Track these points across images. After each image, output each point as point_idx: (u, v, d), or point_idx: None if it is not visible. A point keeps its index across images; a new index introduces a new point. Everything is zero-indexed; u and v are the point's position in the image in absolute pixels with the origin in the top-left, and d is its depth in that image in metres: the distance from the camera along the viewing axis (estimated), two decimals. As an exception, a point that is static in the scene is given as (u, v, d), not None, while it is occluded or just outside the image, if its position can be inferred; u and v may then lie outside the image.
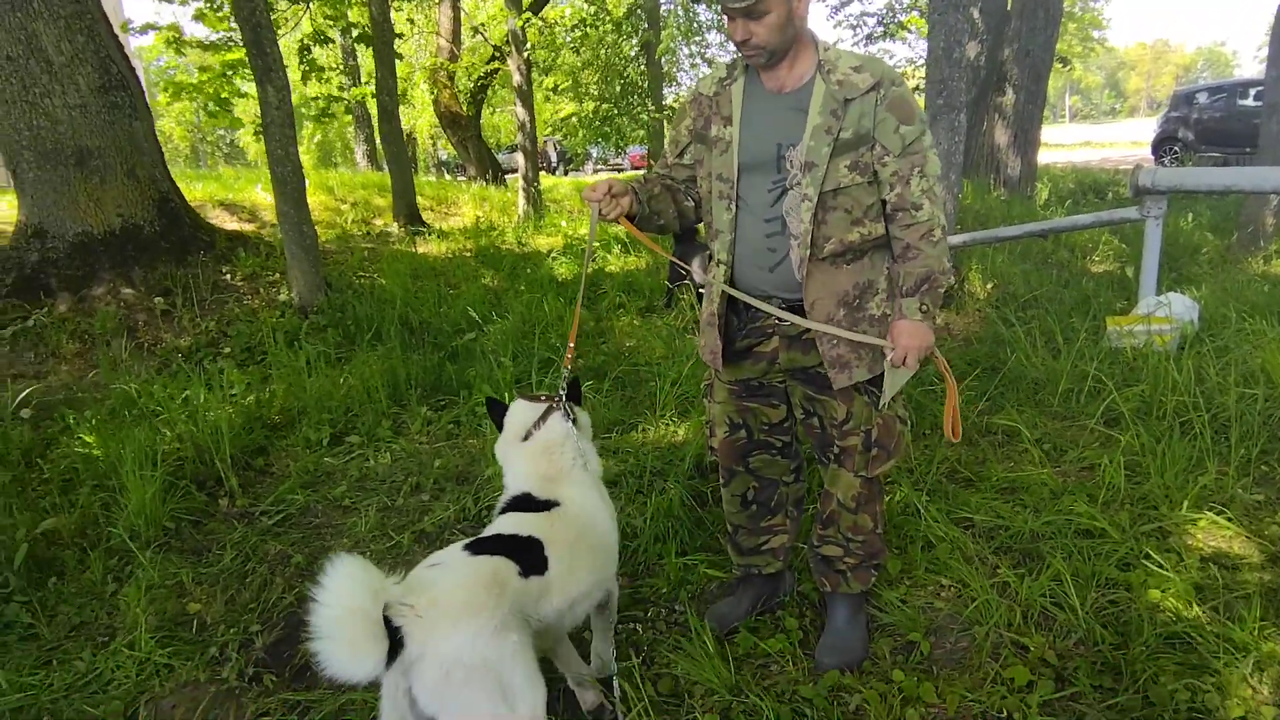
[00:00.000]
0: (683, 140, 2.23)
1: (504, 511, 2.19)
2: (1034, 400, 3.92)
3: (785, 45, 1.95)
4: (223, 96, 8.47)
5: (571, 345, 2.37)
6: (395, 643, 1.56)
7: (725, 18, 1.94)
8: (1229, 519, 2.70)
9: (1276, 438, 3.20)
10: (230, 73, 8.46)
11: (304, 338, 5.64)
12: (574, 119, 22.60)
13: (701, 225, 2.31)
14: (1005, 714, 2.05)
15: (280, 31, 9.41)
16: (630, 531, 3.08)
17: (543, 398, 2.34)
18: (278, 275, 6.73)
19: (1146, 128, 23.40)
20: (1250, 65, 78.93)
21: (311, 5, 8.73)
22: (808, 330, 2.12)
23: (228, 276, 6.59)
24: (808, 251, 2.03)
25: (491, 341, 5.51)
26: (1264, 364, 3.47)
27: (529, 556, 1.90)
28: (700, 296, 6.15)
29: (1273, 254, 6.86)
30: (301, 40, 9.07)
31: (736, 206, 2.09)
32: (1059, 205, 9.88)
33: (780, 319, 2.13)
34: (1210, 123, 15.35)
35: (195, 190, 9.90)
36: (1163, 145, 16.31)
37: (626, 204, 2.12)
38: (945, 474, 3.27)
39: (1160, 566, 2.43)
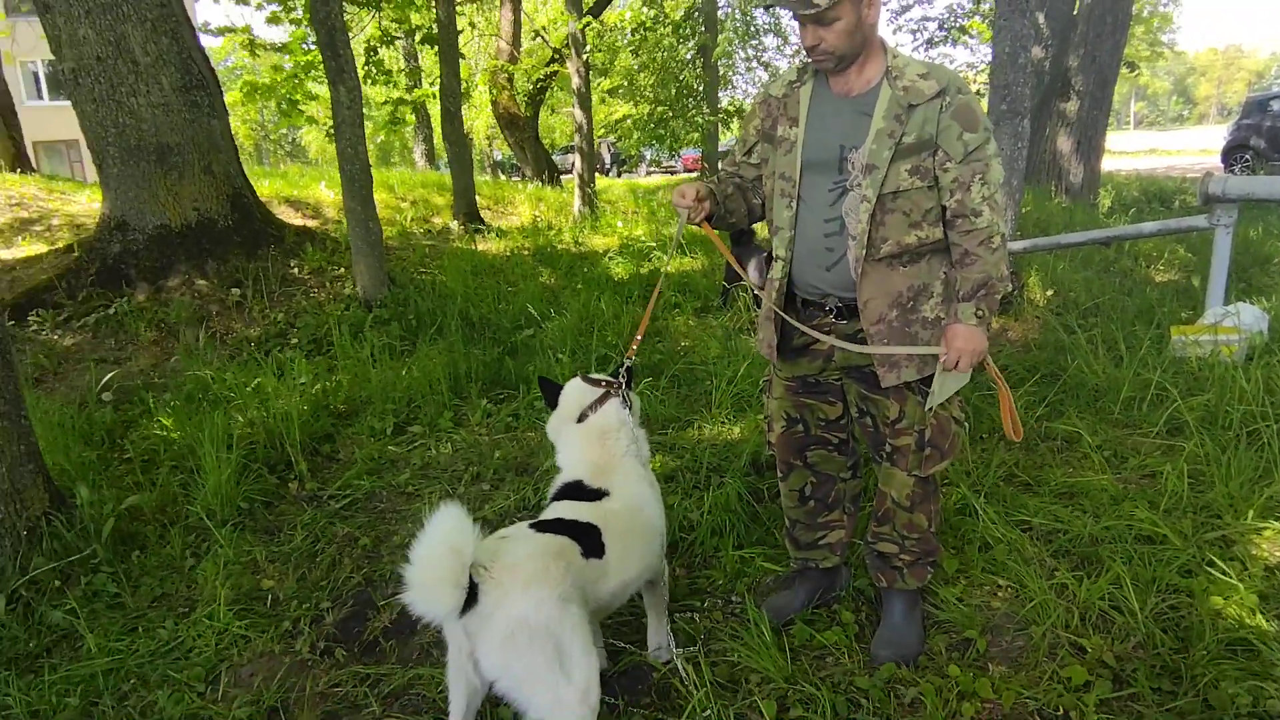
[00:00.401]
0: (750, 140, 2.30)
1: (557, 498, 2.29)
2: (1094, 408, 3.88)
3: (854, 51, 2.01)
4: (294, 98, 8.73)
5: (639, 336, 2.46)
6: (470, 598, 1.70)
7: (800, 27, 1.99)
8: (1297, 529, 2.66)
9: (1351, 451, 3.13)
10: (301, 75, 8.72)
11: (368, 330, 5.81)
12: (629, 121, 22.77)
13: (760, 225, 2.40)
14: (1062, 712, 2.07)
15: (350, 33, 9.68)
16: (687, 525, 3.15)
17: (602, 382, 2.39)
18: (343, 270, 6.94)
19: (1216, 135, 22.72)
20: (1329, 72, 76.02)
21: (382, 8, 8.95)
22: (861, 329, 2.17)
23: (295, 270, 6.81)
24: (864, 251, 2.08)
25: (550, 338, 5.62)
26: (1337, 376, 3.40)
27: (589, 540, 2.01)
28: (757, 299, 6.22)
29: (1349, 266, 6.65)
30: (368, 43, 9.31)
31: (797, 205, 2.16)
32: (1122, 213, 9.69)
33: (835, 322, 2.23)
34: (1285, 131, 14.88)
35: (263, 187, 10.20)
36: (1233, 153, 15.86)
37: (708, 208, 2.23)
38: (1003, 477, 3.27)
39: (1223, 574, 2.42)
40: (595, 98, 21.43)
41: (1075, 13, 10.33)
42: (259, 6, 8.46)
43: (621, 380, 2.40)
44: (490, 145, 33.09)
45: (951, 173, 2.03)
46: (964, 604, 2.52)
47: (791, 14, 1.97)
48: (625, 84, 20.88)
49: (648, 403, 4.43)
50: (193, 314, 6.05)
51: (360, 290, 6.40)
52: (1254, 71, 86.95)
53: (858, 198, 2.06)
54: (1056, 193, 10.50)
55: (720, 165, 2.44)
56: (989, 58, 6.03)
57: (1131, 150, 29.11)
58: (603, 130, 27.67)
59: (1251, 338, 4.26)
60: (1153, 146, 31.40)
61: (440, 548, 1.65)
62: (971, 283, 2.09)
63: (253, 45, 8.49)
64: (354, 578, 3.06)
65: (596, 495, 2.21)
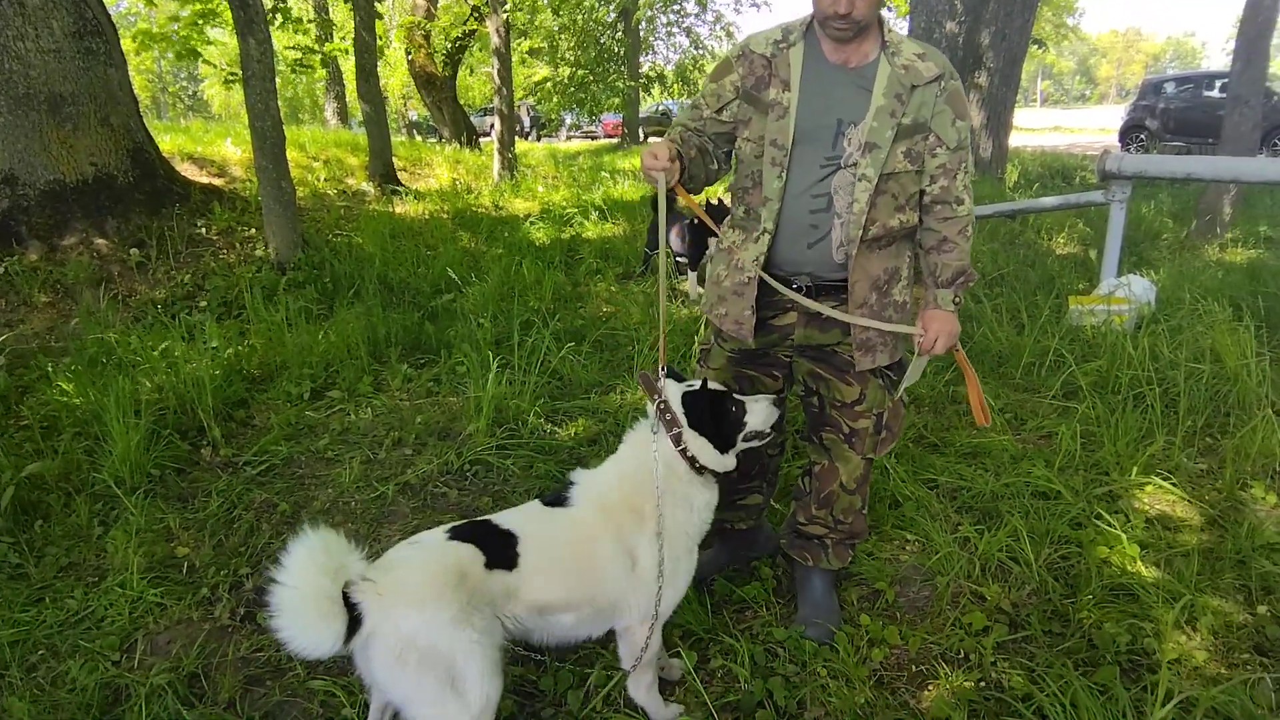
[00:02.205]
0: (726, 96, 2.11)
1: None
2: (998, 373, 4.09)
3: (873, 19, 1.95)
4: (191, 46, 8.31)
5: (663, 360, 2.14)
6: (357, 618, 1.59)
7: None
8: (1174, 484, 2.88)
9: (1221, 411, 3.40)
10: (201, 21, 8.30)
11: (281, 293, 5.65)
12: (549, 84, 22.48)
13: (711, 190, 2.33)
14: (963, 655, 2.21)
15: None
16: (610, 486, 3.20)
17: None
18: (253, 230, 6.70)
19: (1115, 115, 23.80)
20: (1217, 57, 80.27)
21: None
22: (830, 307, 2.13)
23: (202, 230, 6.54)
24: (859, 232, 2.02)
25: (471, 303, 5.57)
26: (1213, 344, 3.66)
27: (498, 549, 1.83)
28: (679, 266, 6.28)
29: (1228, 241, 7.11)
30: (276, -10, 8.92)
31: (787, 175, 2.04)
32: (1028, 187, 10.10)
33: (808, 307, 2.12)
34: (1176, 113, 15.66)
35: (164, 142, 9.69)
36: (1130, 133, 16.62)
37: (678, 171, 2.02)
38: (913, 439, 3.42)
39: (1109, 526, 2.60)
40: (515, 58, 21.06)
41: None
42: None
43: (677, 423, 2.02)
44: (405, 105, 32.18)
45: (940, 158, 2.02)
46: (874, 558, 2.65)
47: None
48: (546, 45, 20.60)
49: (569, 367, 4.46)
50: (92, 275, 5.76)
51: (273, 252, 6.20)
52: (1151, 55, 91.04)
53: (851, 176, 1.99)
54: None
55: (676, 119, 2.21)
56: (906, 31, 6.18)
57: (1038, 127, 30.19)
58: (522, 93, 27.24)
59: (1140, 308, 4.54)
60: (1057, 124, 32.64)
61: (297, 589, 1.54)
62: (952, 270, 2.12)
63: (151, -9, 8.02)
64: (274, 544, 3.01)
65: (559, 501, 2.00)
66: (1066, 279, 5.68)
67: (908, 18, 5.64)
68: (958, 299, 2.14)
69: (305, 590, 1.54)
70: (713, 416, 2.01)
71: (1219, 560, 2.48)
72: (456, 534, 1.84)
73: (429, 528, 3.07)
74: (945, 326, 2.13)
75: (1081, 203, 5.11)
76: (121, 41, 8.80)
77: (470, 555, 1.77)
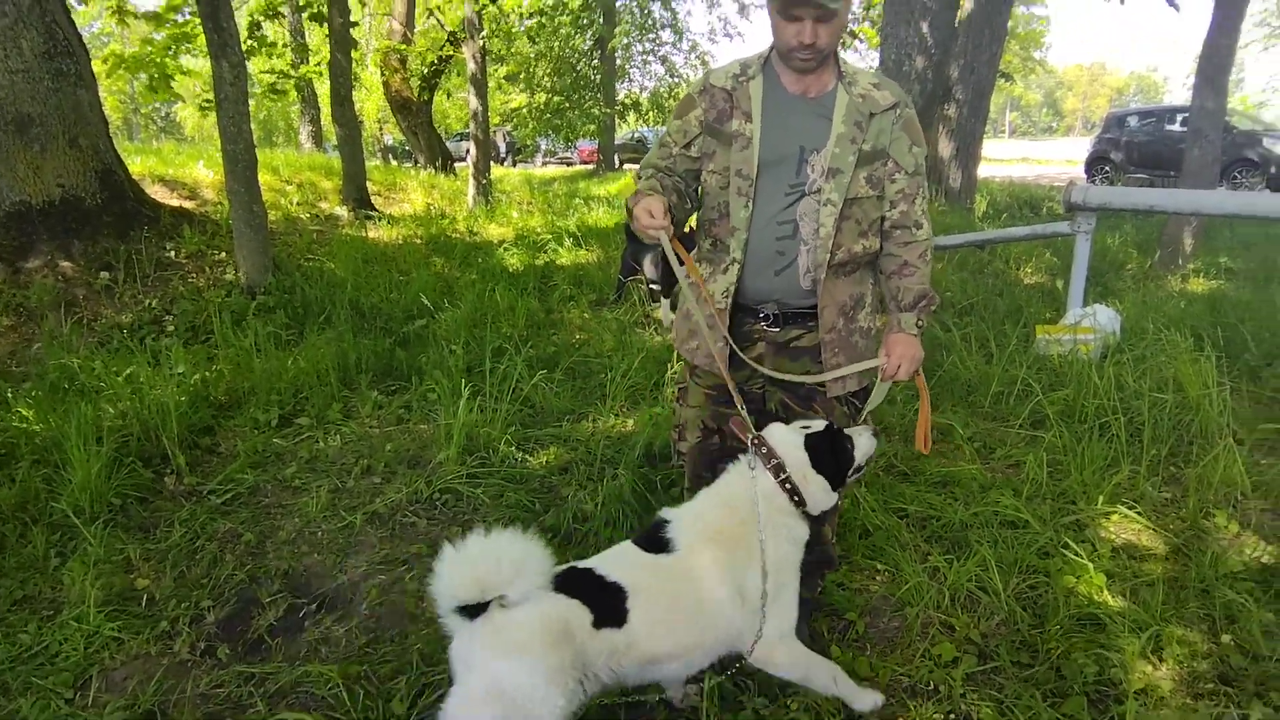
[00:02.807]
0: (693, 131, 2.12)
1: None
2: (967, 401, 4.12)
3: (833, 50, 1.99)
4: (166, 72, 8.26)
5: (739, 400, 2.11)
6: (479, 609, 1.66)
7: (786, 21, 1.90)
8: (1139, 513, 2.91)
9: (1184, 440, 3.44)
10: (175, 46, 8.26)
11: (251, 318, 5.59)
12: (524, 110, 22.58)
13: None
14: (932, 686, 2.21)
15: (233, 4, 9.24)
16: (581, 516, 3.18)
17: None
18: (223, 254, 6.64)
19: (1081, 146, 24.30)
20: (1179, 92, 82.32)
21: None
22: (795, 337, 2.17)
23: (171, 254, 6.47)
24: (827, 257, 2.04)
25: (443, 329, 5.54)
26: (1176, 374, 3.72)
27: (606, 606, 1.79)
28: (652, 293, 6.29)
29: (1190, 272, 7.26)
30: (251, 15, 8.91)
31: (753, 205, 2.06)
32: (996, 217, 10.26)
33: (768, 329, 2.16)
34: (1140, 145, 16.04)
35: (134, 164, 9.61)
36: (1095, 165, 16.99)
37: (670, 221, 2.00)
38: (883, 468, 3.44)
39: (1076, 555, 2.62)
40: (491, 84, 21.14)
41: (957, 24, 10.84)
42: (134, -27, 7.97)
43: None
44: (381, 129, 32.16)
45: (899, 183, 2.08)
46: (845, 589, 2.65)
47: (791, 12, 1.88)
48: (522, 72, 20.71)
49: (541, 395, 4.44)
50: (56, 298, 5.67)
51: (243, 276, 6.14)
52: (1115, 88, 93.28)
53: (817, 202, 2.03)
54: (936, 196, 11.01)
55: (646, 160, 2.20)
56: (878, 63, 6.27)
57: (1006, 158, 30.74)
58: (499, 119, 27.33)
59: (1106, 337, 4.61)
60: (1025, 155, 33.26)
61: (472, 570, 1.62)
62: (914, 294, 2.15)
63: (122, 11, 7.97)
64: (237, 575, 2.96)
65: (660, 545, 1.93)
66: (1034, 308, 5.77)
67: (879, 49, 5.74)
68: (921, 323, 2.17)
69: (458, 577, 1.63)
70: (833, 456, 2.01)
71: (1183, 589, 2.50)
72: (561, 585, 1.77)
73: (398, 558, 3.07)
74: (908, 351, 2.15)
75: (1048, 233, 5.20)
76: (93, 63, 8.78)
77: (578, 613, 1.74)
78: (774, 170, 2.04)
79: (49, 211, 6.00)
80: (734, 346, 2.16)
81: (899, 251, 2.14)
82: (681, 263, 2.08)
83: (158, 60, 8.50)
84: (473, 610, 1.65)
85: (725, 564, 1.89)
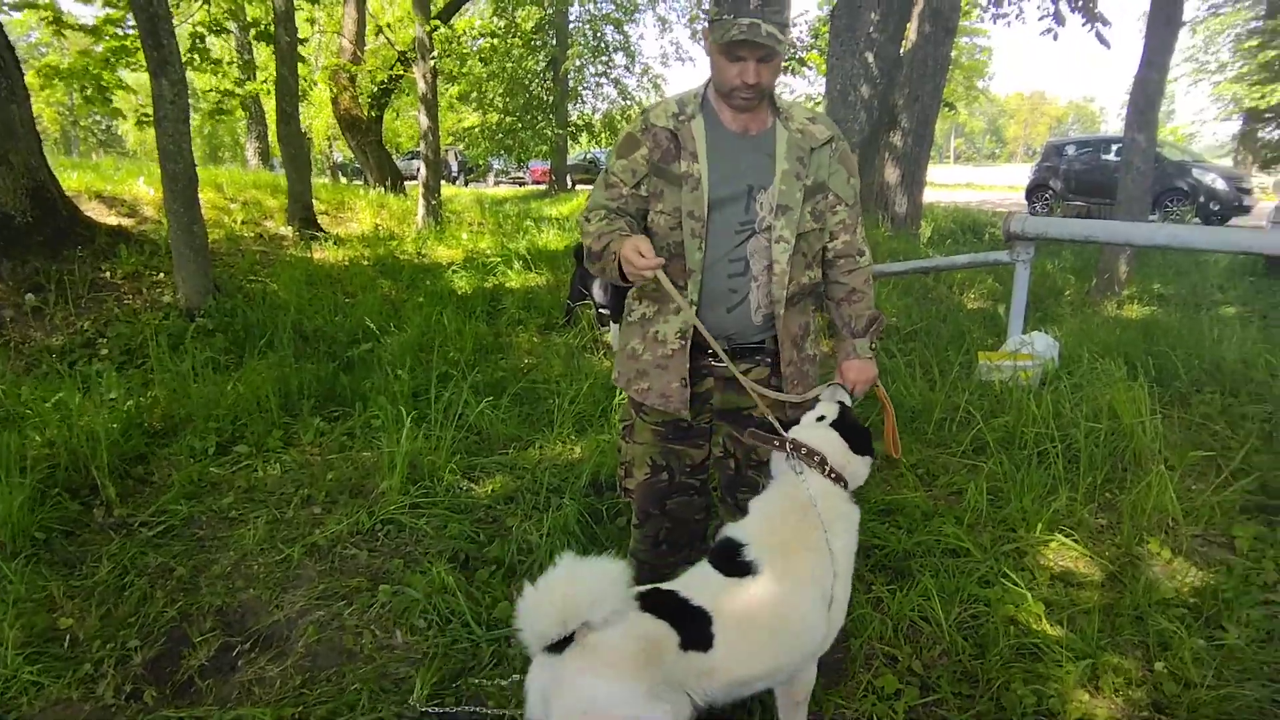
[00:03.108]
0: (640, 170, 2.09)
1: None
2: (911, 428, 4.17)
3: (773, 87, 2.03)
4: (103, 85, 8.05)
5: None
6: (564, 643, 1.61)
7: (729, 61, 1.92)
8: (1076, 540, 2.96)
9: (1120, 466, 3.53)
10: (113, 59, 8.06)
11: (189, 342, 5.44)
12: (477, 130, 22.52)
13: None
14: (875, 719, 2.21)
15: (177, 18, 9.06)
16: (526, 547, 3.14)
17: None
18: (162, 275, 6.47)
19: (1022, 173, 25.04)
20: (1115, 121, 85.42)
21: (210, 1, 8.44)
22: (744, 371, 2.17)
23: (107, 274, 6.28)
24: (784, 293, 2.08)
25: (388, 353, 5.45)
26: (1111, 401, 3.82)
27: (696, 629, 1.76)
28: (601, 318, 6.28)
29: (1125, 298, 7.49)
30: (194, 29, 8.74)
31: (706, 245, 2.06)
32: (941, 244, 10.48)
33: (715, 365, 2.16)
34: (1077, 174, 16.58)
35: (70, 180, 9.35)
36: (1035, 192, 17.50)
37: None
38: (828, 495, 3.45)
39: (1016, 584, 2.66)
40: (443, 103, 21.03)
41: (901, 54, 11.09)
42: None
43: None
44: (330, 147, 31.80)
45: (840, 215, 2.16)
46: (790, 619, 2.64)
47: (735, 52, 1.89)
48: (474, 92, 20.66)
49: (488, 421, 4.39)
50: (-18, 319, 5.46)
51: (182, 298, 5.99)
52: (1054, 117, 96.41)
53: (767, 239, 2.06)
54: (883, 222, 11.22)
55: (594, 202, 2.15)
56: (824, 91, 6.38)
57: (951, 183, 31.54)
58: (450, 138, 27.20)
59: (1045, 364, 4.72)
60: (969, 180, 34.15)
61: (554, 600, 1.57)
62: (865, 319, 2.23)
63: (59, 23, 7.76)
64: (167, 612, 2.85)
65: (741, 569, 1.87)
66: (976, 334, 5.88)
67: (825, 78, 5.84)
68: (874, 345, 2.25)
69: (542, 615, 1.58)
70: (861, 432, 2.08)
71: (1119, 616, 2.55)
72: (646, 605, 1.74)
73: (337, 593, 2.99)
74: (865, 373, 2.24)
75: (989, 261, 5.32)
76: (26, 75, 8.51)
77: (666, 633, 1.70)
78: (724, 210, 2.06)
79: (-24, 230, 5.79)
80: (742, 374, 2.15)
81: (845, 279, 2.21)
82: (681, 290, 2.07)
83: (94, 73, 8.27)
84: (559, 643, 1.61)
85: (810, 576, 1.88)
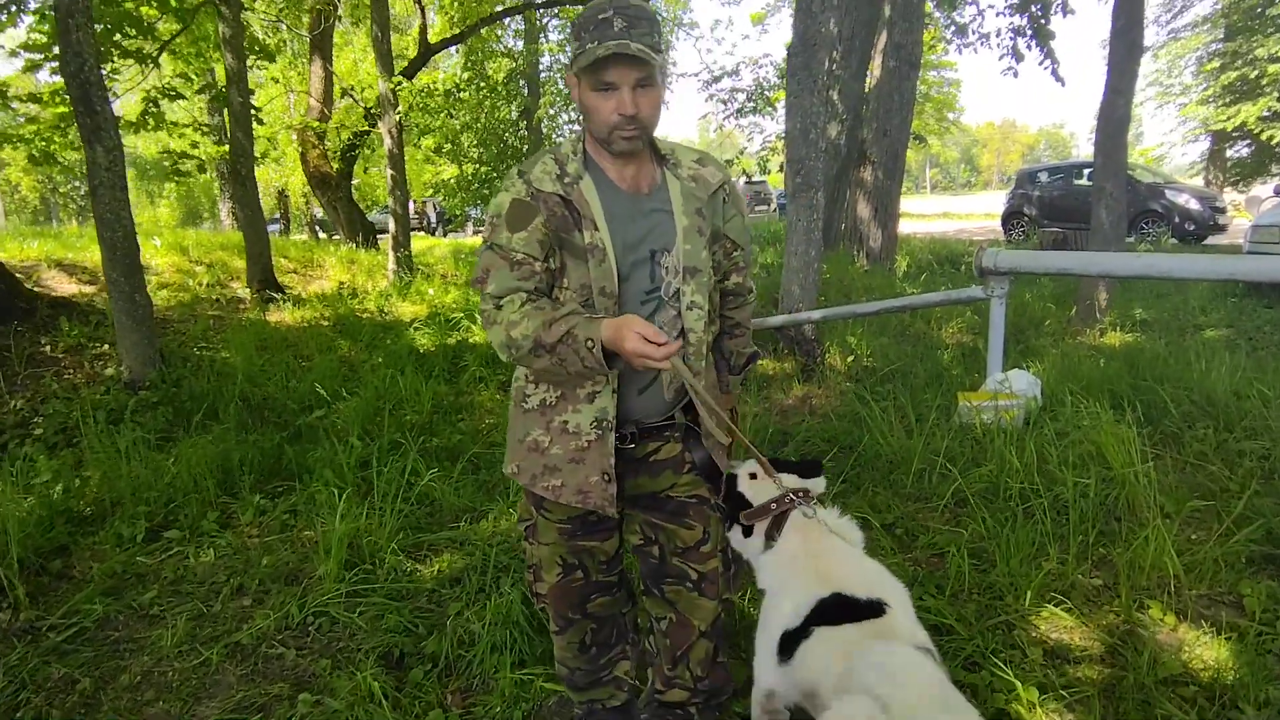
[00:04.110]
0: (547, 242, 1.78)
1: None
2: (888, 480, 3.91)
3: (654, 125, 1.79)
4: (50, 150, 7.86)
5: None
6: None
7: (604, 90, 1.69)
8: (1070, 609, 2.69)
9: (1114, 517, 3.27)
10: (63, 125, 7.88)
11: (129, 417, 5.15)
12: (453, 181, 22.42)
13: None
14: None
15: (127, 83, 8.91)
16: (469, 639, 2.85)
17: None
18: (106, 347, 6.20)
19: (998, 200, 25.15)
20: (1085, 146, 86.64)
21: (161, 63, 8.28)
22: (653, 453, 1.93)
23: (46, 348, 6.01)
24: (703, 363, 1.90)
25: (341, 420, 5.18)
26: (1100, 446, 3.57)
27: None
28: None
29: (1107, 326, 7.30)
30: (147, 93, 8.58)
31: None
32: (917, 278, 10.32)
33: (621, 448, 1.89)
34: (1051, 200, 16.58)
35: (29, 249, 9.13)
36: (1011, 219, 17.50)
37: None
38: (800, 563, 3.18)
39: (1004, 670, 2.37)
40: (419, 156, 20.97)
41: (866, 91, 11.07)
42: (13, 54, 7.59)
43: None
44: (307, 203, 31.73)
45: (736, 258, 2.02)
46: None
47: (601, 82, 1.68)
48: (449, 144, 20.61)
49: (441, 491, 4.11)
50: (-93, 403, 5.17)
51: (125, 370, 5.72)
52: (1026, 144, 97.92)
53: (676, 308, 1.84)
54: (858, 257, 11.08)
55: (502, 287, 1.78)
56: (783, 130, 6.23)
57: (928, 214, 31.67)
58: (430, 190, 27.13)
59: (1027, 403, 4.48)
60: (945, 210, 34.31)
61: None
62: (744, 356, 2.15)
63: (3, 95, 7.58)
64: (62, 734, 2.54)
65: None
66: (956, 372, 5.66)
67: (785, 116, 5.69)
68: (744, 382, 2.26)
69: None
70: (810, 463, 2.21)
71: (1122, 700, 2.27)
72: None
73: (255, 702, 2.68)
74: (726, 405, 2.16)
75: (963, 299, 5.12)
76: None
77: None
78: (630, 281, 1.81)
79: (-95, 309, 5.52)
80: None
81: (732, 314, 2.11)
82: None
83: (43, 136, 8.08)
84: None
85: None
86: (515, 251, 1.77)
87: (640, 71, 1.67)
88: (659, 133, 1.86)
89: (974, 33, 13.92)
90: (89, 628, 3.17)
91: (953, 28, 14.22)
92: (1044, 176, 17.43)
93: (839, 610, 1.78)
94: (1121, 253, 4.68)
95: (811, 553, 1.95)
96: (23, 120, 8.60)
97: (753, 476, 2.14)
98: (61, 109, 7.73)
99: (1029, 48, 11.17)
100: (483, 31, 15.81)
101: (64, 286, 8.14)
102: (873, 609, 1.78)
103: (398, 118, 11.60)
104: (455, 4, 15.85)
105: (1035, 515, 3.21)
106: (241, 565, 3.61)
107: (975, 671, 2.40)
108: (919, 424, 4.32)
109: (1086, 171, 16.04)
